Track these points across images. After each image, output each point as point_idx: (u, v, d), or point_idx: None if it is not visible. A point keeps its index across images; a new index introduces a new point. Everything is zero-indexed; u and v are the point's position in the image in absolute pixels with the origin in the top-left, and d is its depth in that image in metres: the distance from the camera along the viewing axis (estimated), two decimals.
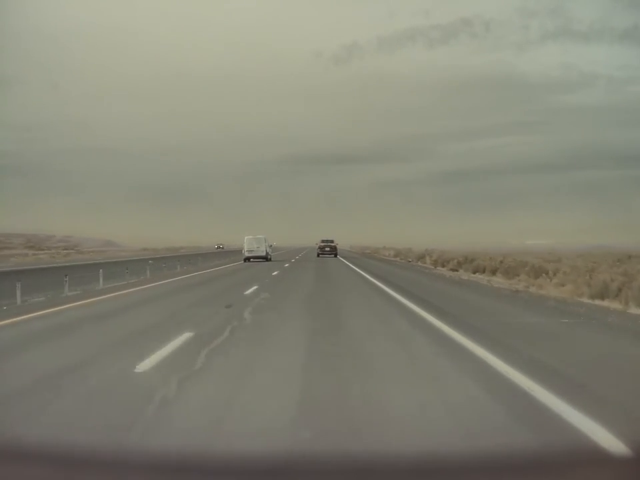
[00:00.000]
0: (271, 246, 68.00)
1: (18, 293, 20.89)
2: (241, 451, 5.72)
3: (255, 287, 24.83)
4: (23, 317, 15.90)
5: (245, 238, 61.91)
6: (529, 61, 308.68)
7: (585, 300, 21.18)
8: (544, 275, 32.41)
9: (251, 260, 60.67)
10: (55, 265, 44.21)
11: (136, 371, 8.87)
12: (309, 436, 6.03)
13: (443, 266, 49.70)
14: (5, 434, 6.17)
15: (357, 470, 4.86)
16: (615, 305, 19.28)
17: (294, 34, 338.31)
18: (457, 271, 43.63)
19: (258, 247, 61.35)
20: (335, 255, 74.40)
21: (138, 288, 26.55)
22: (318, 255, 74.74)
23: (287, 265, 51.20)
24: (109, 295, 22.67)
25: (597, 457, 5.48)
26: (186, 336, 12.01)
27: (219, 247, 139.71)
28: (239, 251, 68.02)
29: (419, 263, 61.10)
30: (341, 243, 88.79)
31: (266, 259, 61.48)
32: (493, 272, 38.38)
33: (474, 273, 40.26)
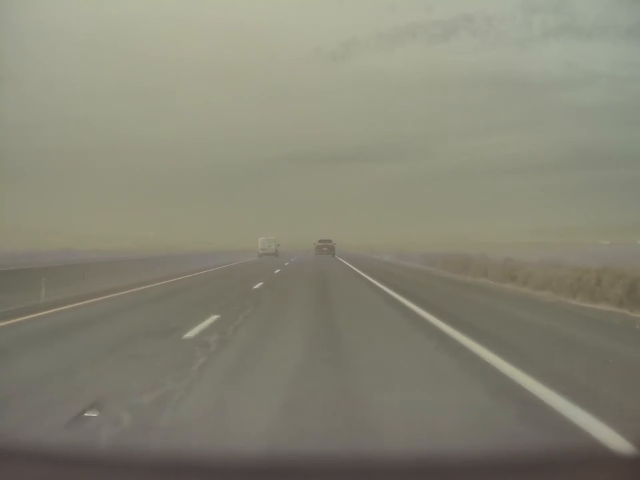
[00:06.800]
0: (279, 245, 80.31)
1: None
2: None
3: None
4: None
5: (259, 239, 77.71)
6: (530, 59, 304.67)
7: None
8: None
9: (264, 256, 73.87)
10: None
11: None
12: None
13: None
14: (6, 431, 6.05)
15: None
16: None
17: (293, 30, 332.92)
18: None
19: (269, 246, 76.73)
20: (333, 255, 74.85)
21: None
22: (316, 255, 75.18)
23: None
24: None
25: (599, 455, 5.34)
26: None
27: None
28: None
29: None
30: (340, 243, 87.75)
31: (275, 255, 74.76)
32: None
33: None
